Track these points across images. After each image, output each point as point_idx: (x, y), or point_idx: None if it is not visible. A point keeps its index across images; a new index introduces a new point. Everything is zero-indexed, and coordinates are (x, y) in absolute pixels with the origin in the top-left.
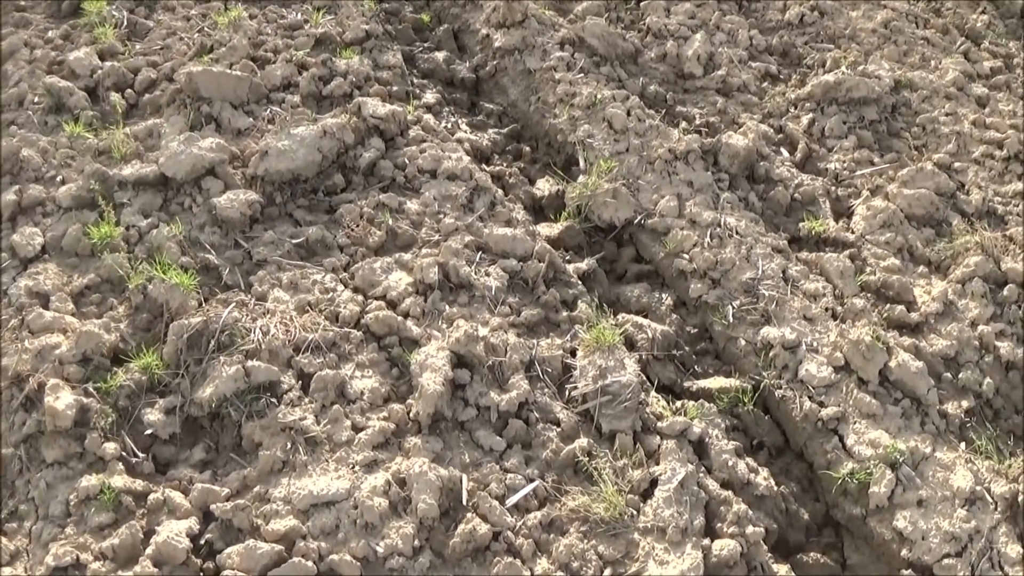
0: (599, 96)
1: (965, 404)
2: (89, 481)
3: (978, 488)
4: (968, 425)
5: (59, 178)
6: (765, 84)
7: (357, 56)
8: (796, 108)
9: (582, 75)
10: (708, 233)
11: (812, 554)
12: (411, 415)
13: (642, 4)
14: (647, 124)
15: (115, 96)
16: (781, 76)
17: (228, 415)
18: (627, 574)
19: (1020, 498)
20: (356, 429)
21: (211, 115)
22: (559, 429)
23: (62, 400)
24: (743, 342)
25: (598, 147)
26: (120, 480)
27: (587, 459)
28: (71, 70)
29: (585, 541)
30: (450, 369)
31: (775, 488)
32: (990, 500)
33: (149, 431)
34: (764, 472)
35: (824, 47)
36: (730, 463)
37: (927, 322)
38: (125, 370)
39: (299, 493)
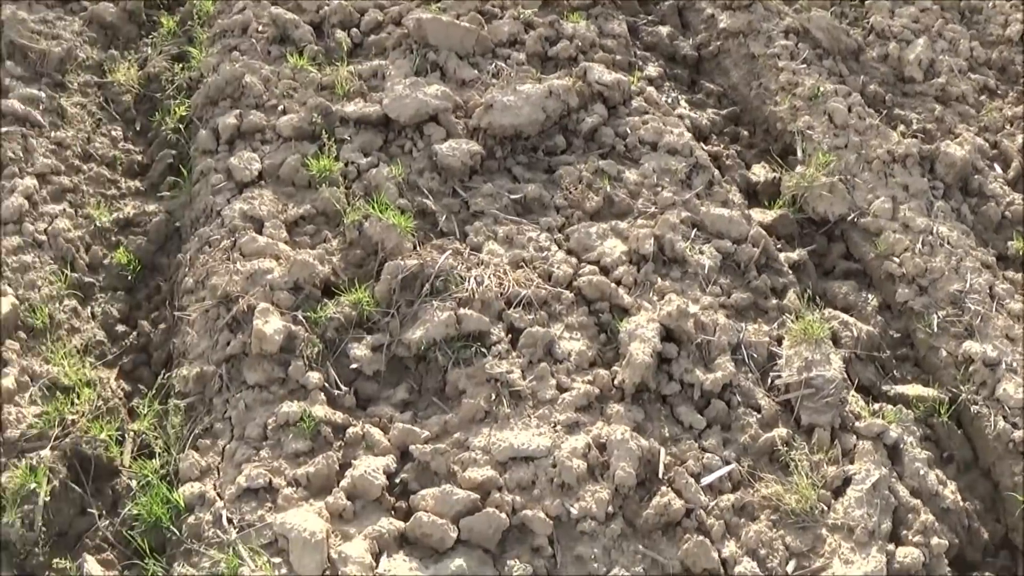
0: (821, 89)
1: None
2: (290, 407)
3: None
4: None
5: (280, 107)
6: (983, 97)
7: (584, 21)
8: (1012, 125)
9: (804, 65)
10: (920, 240)
11: (987, 574)
12: (616, 382)
13: (867, 3)
14: (867, 123)
15: (340, 33)
16: (999, 91)
17: (435, 359)
18: (812, 568)
19: None
20: (561, 389)
21: (436, 63)
22: (759, 415)
23: (271, 324)
24: (944, 353)
25: (817, 139)
26: (321, 410)
27: (785, 449)
28: (297, 3)
29: (774, 530)
30: (659, 341)
31: (961, 503)
32: None
33: (354, 365)
34: (952, 486)
35: None
36: (921, 472)
37: None
38: (336, 303)
39: (499, 445)
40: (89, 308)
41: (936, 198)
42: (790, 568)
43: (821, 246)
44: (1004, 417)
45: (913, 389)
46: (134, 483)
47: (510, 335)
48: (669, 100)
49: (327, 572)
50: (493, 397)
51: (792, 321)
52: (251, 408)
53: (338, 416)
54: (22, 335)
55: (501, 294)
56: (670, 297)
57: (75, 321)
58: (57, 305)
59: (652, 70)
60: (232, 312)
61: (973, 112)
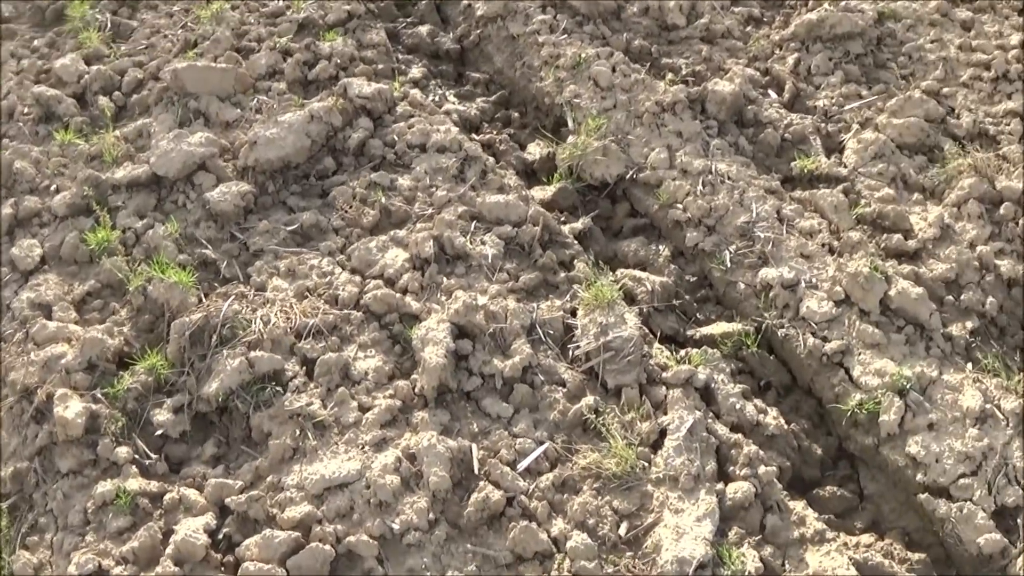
0: (583, 55)
1: (969, 325)
2: (104, 487)
3: (988, 406)
4: (973, 345)
5: (53, 187)
6: (749, 28)
7: (340, 37)
8: (781, 49)
9: (565, 36)
10: (700, 181)
11: (829, 488)
12: (416, 390)
13: None
14: (633, 79)
15: (103, 100)
16: (765, 19)
17: (236, 408)
18: (644, 525)
19: None
20: (363, 409)
21: (199, 110)
22: (565, 390)
23: (71, 409)
24: (742, 285)
25: (585, 106)
26: (135, 483)
27: (595, 416)
28: (58, 77)
29: (599, 497)
30: (451, 340)
31: (785, 426)
32: (1001, 416)
33: (159, 431)
34: (773, 412)
35: None
36: (738, 406)
37: (925, 248)
38: (131, 373)
39: (311, 478)
40: None
41: (712, 137)
42: (622, 531)
43: (605, 209)
44: (813, 333)
45: (718, 327)
46: None
47: (305, 367)
48: (436, 98)
49: None
50: (298, 433)
51: (583, 290)
52: (69, 496)
53: (152, 485)
54: None
55: (290, 328)
56: (456, 294)
57: None
58: None
59: (416, 72)
60: (34, 404)
61: (741, 45)
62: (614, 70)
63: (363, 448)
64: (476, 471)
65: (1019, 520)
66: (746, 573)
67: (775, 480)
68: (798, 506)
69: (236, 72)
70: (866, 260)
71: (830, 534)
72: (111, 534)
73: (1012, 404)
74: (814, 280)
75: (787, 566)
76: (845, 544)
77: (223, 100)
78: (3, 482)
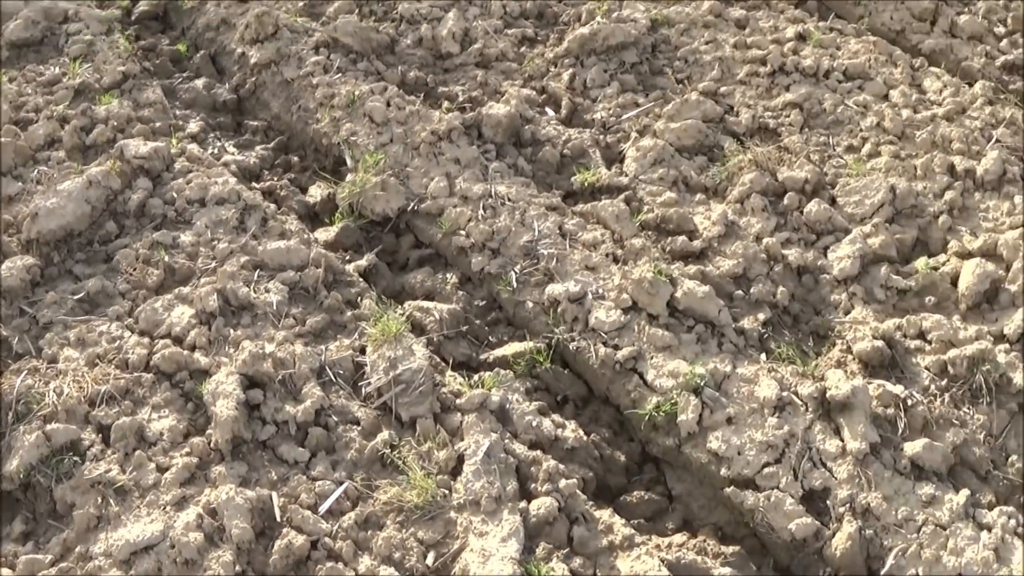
0: (357, 92)
1: (761, 316)
2: None
3: (784, 393)
4: (767, 336)
5: None
6: (523, 49)
7: (116, 100)
8: (556, 66)
9: (340, 75)
10: (481, 205)
11: (636, 493)
12: (212, 445)
13: None
14: (408, 111)
15: None
16: (539, 38)
17: (38, 482)
18: (451, 552)
19: (828, 393)
20: (161, 470)
21: None
22: (360, 428)
23: None
24: (531, 304)
25: (363, 143)
26: None
27: (391, 451)
28: None
29: (403, 530)
30: (241, 392)
31: (585, 438)
32: (799, 402)
33: None
34: (572, 425)
35: (578, 1)
36: (535, 423)
37: (711, 246)
38: None
39: (117, 544)
40: None
41: (490, 160)
42: (429, 560)
43: (390, 244)
44: (603, 343)
45: (510, 348)
46: None
47: (100, 434)
48: (214, 151)
49: None
50: (100, 501)
51: (370, 326)
52: None
53: None
54: None
55: (83, 398)
56: (243, 344)
57: None
58: None
59: (194, 126)
60: None
61: (516, 66)
62: (389, 104)
63: (164, 509)
64: (278, 518)
65: (828, 501)
66: None
67: (578, 492)
68: (604, 514)
69: (15, 145)
70: (650, 265)
71: (639, 538)
72: None
73: (809, 389)
74: (600, 291)
75: (598, 574)
76: (657, 546)
77: (4, 175)
78: None
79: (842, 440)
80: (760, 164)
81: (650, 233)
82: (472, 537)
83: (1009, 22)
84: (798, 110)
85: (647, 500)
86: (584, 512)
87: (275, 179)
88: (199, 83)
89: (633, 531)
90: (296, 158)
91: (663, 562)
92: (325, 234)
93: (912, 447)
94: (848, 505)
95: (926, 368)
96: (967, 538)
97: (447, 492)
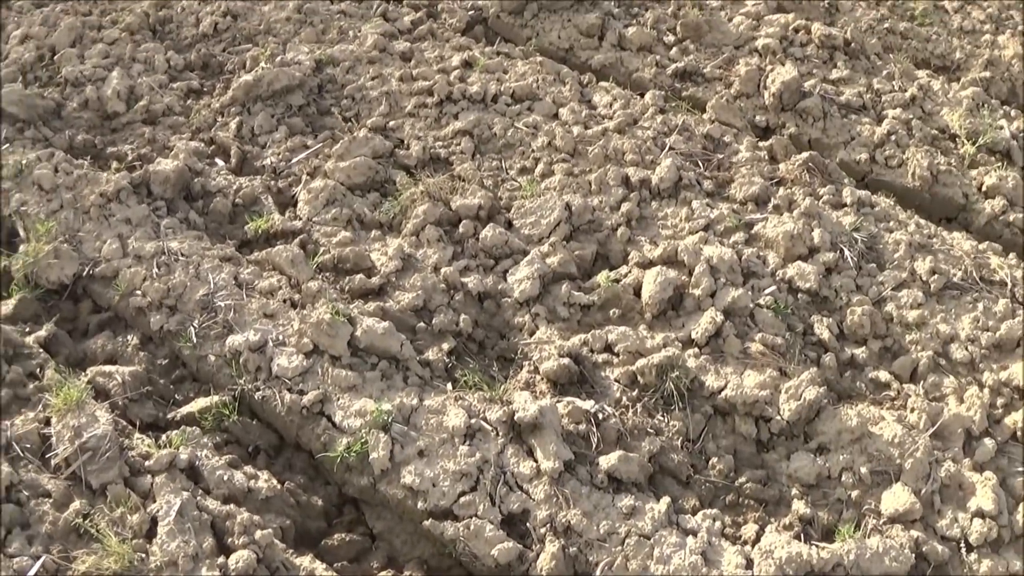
0: (24, 161)
1: (446, 346)
2: None
3: (473, 420)
4: (452, 366)
5: None
6: (190, 101)
7: None
8: (224, 116)
9: (7, 146)
10: (155, 263)
11: (337, 536)
12: None
13: (56, 58)
14: (76, 175)
15: None
16: (205, 88)
17: None
18: None
19: (516, 416)
20: None
21: None
22: (52, 500)
23: None
24: (212, 357)
25: (33, 212)
26: None
27: (84, 520)
28: None
29: None
30: None
31: (279, 486)
32: (489, 428)
33: None
34: (265, 475)
35: (242, 48)
36: (226, 477)
37: (389, 282)
38: None
39: None
40: None
41: (161, 217)
42: None
43: (69, 311)
44: (288, 389)
45: (196, 404)
46: None
47: None
48: None
49: None
50: None
51: (53, 397)
52: None
53: None
54: None
55: None
56: None
57: None
58: None
59: None
60: None
61: (184, 120)
62: (57, 170)
63: None
64: None
65: (529, 524)
66: None
67: (276, 542)
68: (305, 561)
69: None
70: (327, 307)
71: None
72: None
73: (497, 413)
74: (281, 337)
75: None
76: None
77: None
78: None
79: (536, 461)
80: (432, 195)
81: (328, 275)
82: None
83: (679, 30)
84: (468, 137)
85: (349, 542)
86: (284, 561)
87: None
88: None
89: (336, 575)
90: None
91: None
92: (4, 307)
93: (607, 460)
94: (549, 525)
95: (616, 380)
96: (672, 545)
97: (144, 556)
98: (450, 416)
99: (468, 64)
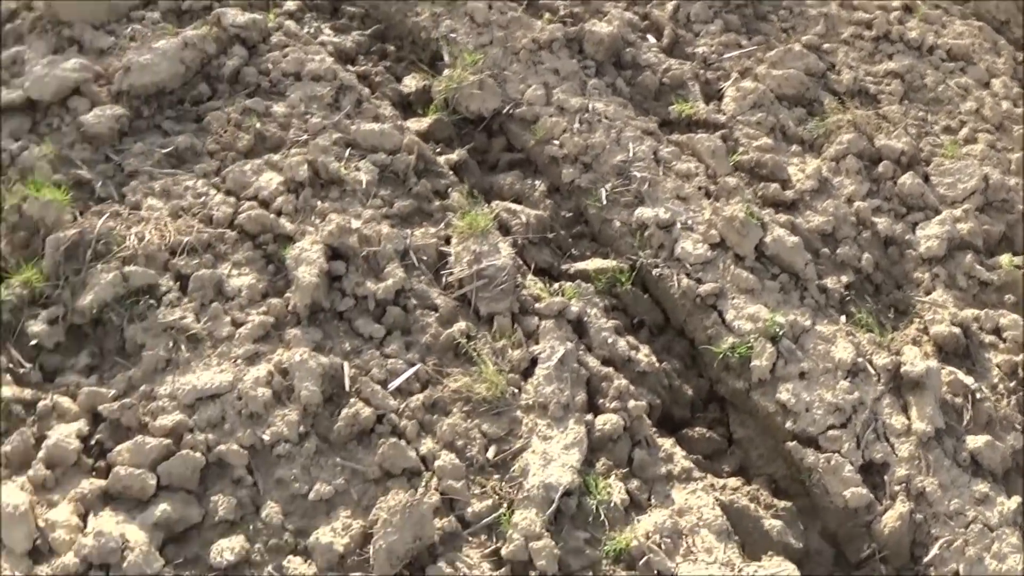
0: None
1: (844, 279)
2: None
3: (860, 360)
4: (848, 299)
5: None
6: None
7: None
8: None
9: None
10: (577, 119)
11: (698, 429)
12: (290, 308)
13: None
14: (509, 16)
15: None
16: None
17: (110, 320)
18: (512, 450)
19: (903, 369)
20: (236, 325)
21: (73, 38)
22: (437, 314)
23: None
24: (618, 223)
25: (462, 41)
26: (9, 391)
27: (467, 341)
28: None
29: (468, 420)
30: (325, 261)
31: (657, 364)
32: (872, 372)
33: (34, 342)
34: (645, 349)
35: None
36: (610, 340)
37: (802, 199)
38: (6, 286)
39: (184, 389)
40: None
41: (589, 76)
42: (490, 454)
43: (481, 143)
44: (687, 274)
45: (592, 263)
46: None
47: (178, 283)
48: (311, 30)
49: (37, 541)
50: (171, 345)
51: (457, 219)
52: None
53: (26, 393)
54: None
55: (164, 246)
56: (331, 217)
57: None
58: None
59: (291, 4)
60: None
61: None
62: (491, 7)
63: (235, 361)
64: (347, 388)
65: (885, 477)
66: (612, 503)
67: (644, 415)
68: (667, 443)
69: (109, 3)
70: (742, 205)
71: (697, 473)
72: None
73: (884, 360)
74: (690, 222)
75: (653, 500)
76: (712, 485)
77: (97, 28)
78: None
79: (909, 419)
80: (858, 127)
81: (743, 175)
82: (536, 439)
83: None
84: (899, 80)
85: (708, 438)
86: (647, 436)
87: (370, 65)
88: None
89: (692, 465)
90: (392, 47)
91: (717, 502)
92: (417, 124)
93: (974, 441)
94: (904, 485)
95: (997, 366)
96: (1011, 546)
97: (516, 391)
98: (838, 348)
99: (908, 9)
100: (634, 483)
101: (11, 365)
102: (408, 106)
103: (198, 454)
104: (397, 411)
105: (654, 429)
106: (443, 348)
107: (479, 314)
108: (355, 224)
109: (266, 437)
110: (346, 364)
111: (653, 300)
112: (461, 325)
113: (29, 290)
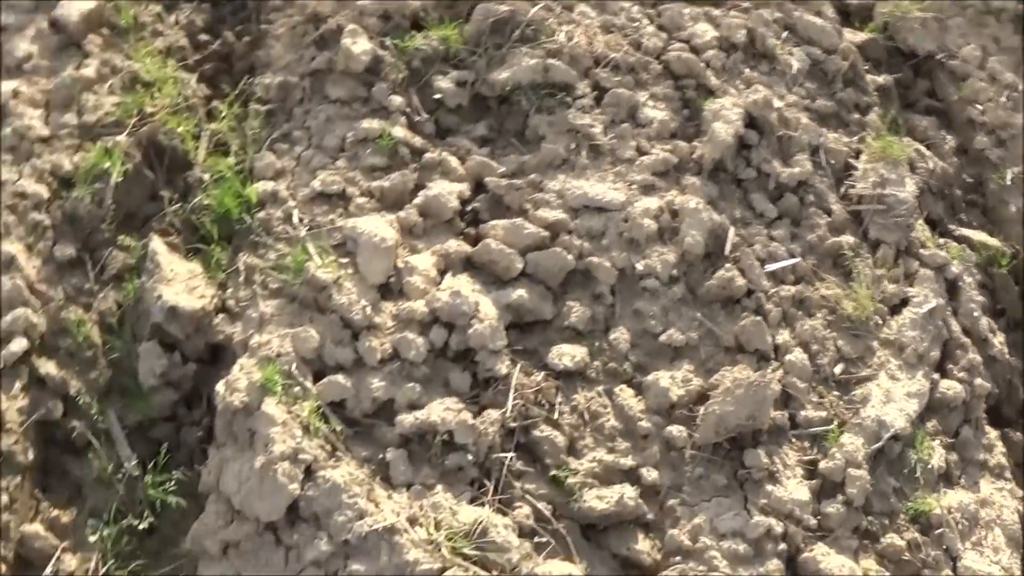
0: None
1: None
2: (371, 124)
3: None
4: None
5: None
6: None
7: None
8: None
9: None
10: (1005, 94)
11: (1019, 434)
12: (694, 156)
13: None
14: None
15: None
16: None
17: (518, 102)
18: (858, 375)
19: None
20: (640, 152)
21: None
22: (829, 219)
23: (359, 45)
24: (1014, 209)
25: None
26: (401, 131)
27: (850, 255)
28: None
29: (828, 330)
30: (741, 126)
31: (1007, 356)
32: None
33: (437, 96)
34: (1000, 337)
35: None
36: (975, 313)
37: None
38: (424, 36)
39: (573, 191)
40: (174, 16)
41: None
42: (837, 370)
43: (907, 78)
44: None
45: (978, 235)
46: (207, 176)
47: (595, 92)
48: None
49: (392, 278)
50: (573, 146)
51: (872, 138)
52: (331, 121)
53: (417, 140)
54: (105, 31)
55: (590, 53)
56: (757, 87)
57: (159, 25)
58: (142, 7)
59: None
60: (320, 30)
61: None
62: None
63: (631, 185)
64: (727, 252)
65: None
66: (929, 466)
67: (983, 398)
68: (992, 434)
69: None
70: None
71: (1008, 475)
72: (364, 167)
73: None
74: None
75: (963, 480)
76: (1011, 492)
77: None
78: (268, 88)
79: None
80: None
81: None
82: (883, 375)
83: None
84: None
85: None
86: (979, 418)
87: None
88: None
89: (1007, 464)
90: None
91: (1018, 511)
92: (852, 36)
93: None
94: None
95: None
96: None
97: (880, 322)
98: None
99: None
100: (953, 456)
101: (408, 110)
102: (847, 16)
103: (570, 256)
104: (767, 293)
105: (985, 416)
106: (825, 253)
107: (867, 235)
108: (777, 103)
109: (639, 267)
110: (732, 229)
111: (1022, 294)
112: (849, 238)
113: (445, 47)
